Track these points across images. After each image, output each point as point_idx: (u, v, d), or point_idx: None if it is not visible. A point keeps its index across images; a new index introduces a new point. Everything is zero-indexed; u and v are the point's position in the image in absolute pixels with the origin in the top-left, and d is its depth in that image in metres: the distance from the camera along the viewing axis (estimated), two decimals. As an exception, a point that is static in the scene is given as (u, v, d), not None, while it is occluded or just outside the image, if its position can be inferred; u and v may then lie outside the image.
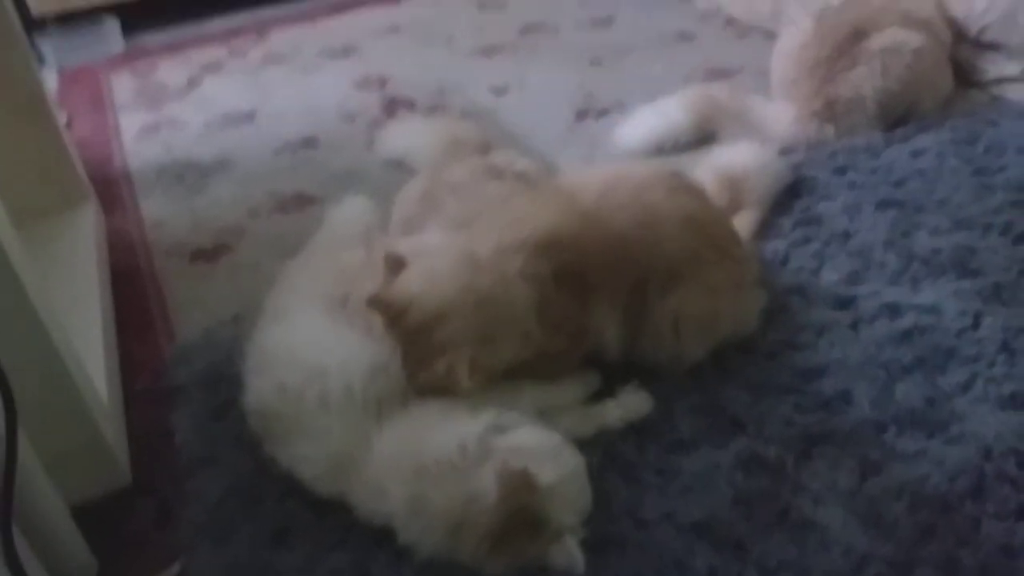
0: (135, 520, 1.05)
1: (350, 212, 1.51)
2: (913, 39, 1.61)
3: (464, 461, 0.92)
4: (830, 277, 1.28)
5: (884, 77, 1.59)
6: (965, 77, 1.82)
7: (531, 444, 0.94)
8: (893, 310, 1.20)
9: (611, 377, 1.12)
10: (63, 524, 0.93)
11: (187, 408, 1.18)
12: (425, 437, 0.96)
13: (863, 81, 1.60)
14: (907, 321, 1.17)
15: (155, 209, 1.73)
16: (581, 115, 1.92)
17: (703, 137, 1.71)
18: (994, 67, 1.79)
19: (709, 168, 1.42)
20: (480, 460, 0.92)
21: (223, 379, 1.18)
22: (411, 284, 0.99)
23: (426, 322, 0.97)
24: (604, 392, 1.11)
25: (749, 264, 1.18)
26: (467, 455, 0.93)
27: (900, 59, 1.59)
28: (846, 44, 1.62)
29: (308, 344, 1.05)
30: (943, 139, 1.57)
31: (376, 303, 0.99)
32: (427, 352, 0.96)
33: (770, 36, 2.01)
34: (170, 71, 2.40)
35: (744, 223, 1.35)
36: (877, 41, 1.61)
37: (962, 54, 1.83)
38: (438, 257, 1.03)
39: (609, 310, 1.05)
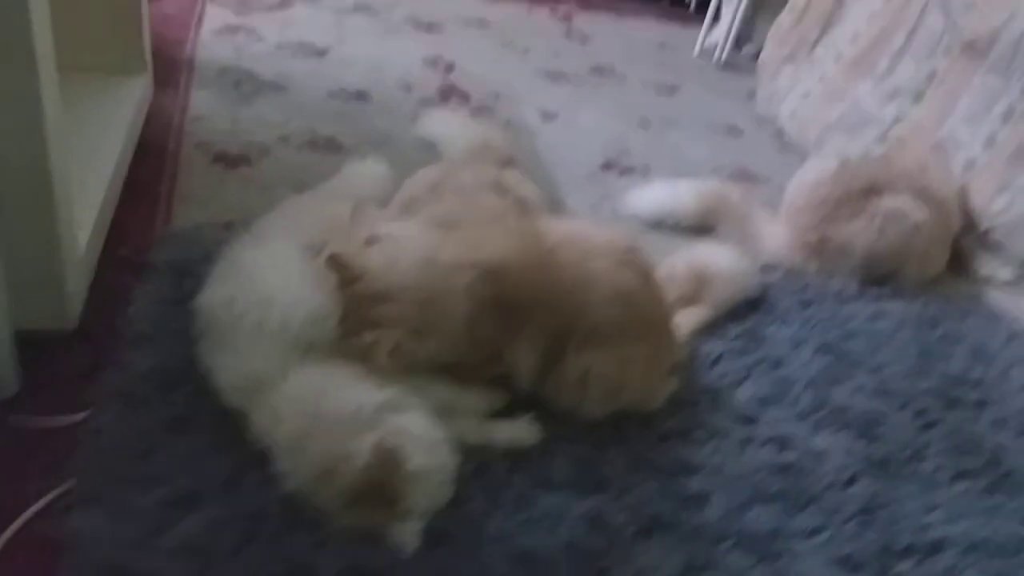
0: (65, 363, 1.17)
1: (366, 172, 1.63)
2: (919, 213, 1.71)
3: (353, 423, 1.03)
4: (746, 393, 1.38)
5: (878, 237, 1.69)
6: (960, 265, 1.91)
7: (415, 430, 1.05)
8: (783, 443, 1.29)
9: (520, 405, 1.23)
10: (1, 338, 1.05)
11: (152, 287, 1.30)
12: (331, 390, 1.07)
13: (858, 233, 1.70)
14: (790, 457, 1.27)
15: (202, 103, 1.86)
16: (608, 165, 2.03)
17: (703, 227, 1.81)
18: (988, 266, 1.88)
19: (685, 257, 1.53)
20: (367, 427, 1.02)
21: (193, 274, 1.28)
22: (372, 259, 1.11)
23: (371, 296, 1.08)
24: (504, 414, 1.21)
25: (669, 351, 1.29)
26: (358, 419, 1.03)
27: (898, 226, 1.69)
28: (857, 194, 1.72)
29: (270, 273, 1.16)
30: (908, 312, 1.66)
31: (334, 263, 1.10)
32: (362, 322, 1.07)
33: (806, 159, 2.11)
34: (270, -16, 2.53)
35: (692, 317, 1.45)
36: (885, 202, 1.70)
37: (966, 243, 1.92)
38: (406, 247, 1.14)
39: (529, 346, 1.16)
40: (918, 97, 2.12)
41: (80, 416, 1.10)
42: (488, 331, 1.12)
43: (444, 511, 1.06)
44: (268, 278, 1.15)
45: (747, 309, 1.57)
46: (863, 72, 2.26)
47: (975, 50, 1.98)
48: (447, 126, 1.88)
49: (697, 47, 2.84)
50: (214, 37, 2.15)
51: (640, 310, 1.20)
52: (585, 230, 1.26)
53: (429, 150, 1.85)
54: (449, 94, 2.17)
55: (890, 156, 1.89)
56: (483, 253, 1.12)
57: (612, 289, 1.17)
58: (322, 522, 1.01)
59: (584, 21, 2.89)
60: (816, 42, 2.44)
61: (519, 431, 1.19)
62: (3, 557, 0.95)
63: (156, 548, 0.95)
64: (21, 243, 1.06)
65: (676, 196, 1.82)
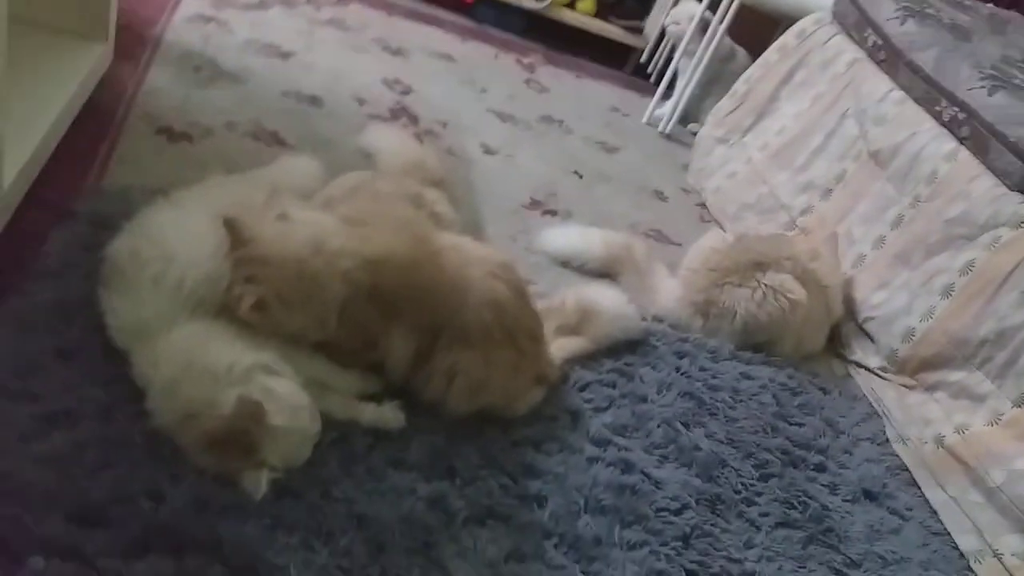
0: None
1: (299, 167, 1.74)
2: (798, 293, 1.86)
3: (225, 376, 1.13)
4: (605, 419, 1.50)
5: (757, 307, 1.84)
6: (838, 348, 2.08)
7: (282, 392, 1.14)
8: (628, 467, 1.41)
9: (390, 394, 1.33)
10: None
11: (69, 232, 1.39)
12: (211, 344, 1.17)
13: (741, 300, 1.85)
14: (631, 480, 1.39)
15: (159, 79, 1.96)
16: (534, 205, 2.17)
17: (605, 273, 1.95)
18: (861, 352, 2.04)
19: (577, 291, 1.66)
20: (237, 382, 1.12)
21: (110, 228, 1.35)
22: (266, 230, 1.21)
23: (253, 258, 1.19)
24: (375, 400, 1.31)
25: (535, 361, 1.40)
26: (230, 374, 1.13)
27: (777, 301, 1.84)
28: (746, 266, 1.87)
29: (176, 233, 1.26)
30: (776, 379, 1.81)
31: (228, 224, 1.20)
32: (239, 278, 1.17)
33: (718, 232, 2.28)
34: (252, -15, 2.66)
35: (571, 345, 1.58)
36: (769, 278, 1.86)
37: (845, 330, 2.09)
38: (302, 228, 1.25)
39: (402, 340, 1.27)
40: (826, 194, 2.31)
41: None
42: (363, 318, 1.23)
43: (298, 470, 1.15)
44: (173, 237, 1.25)
45: (626, 349, 1.70)
46: (783, 163, 2.45)
47: (879, 160, 2.18)
48: (388, 140, 2.01)
49: (646, 115, 3.03)
50: (186, 23, 2.26)
51: (509, 319, 1.32)
52: (468, 243, 1.39)
53: (366, 160, 1.97)
54: (400, 114, 2.30)
55: (785, 239, 2.05)
56: (369, 246, 1.24)
57: (484, 295, 1.29)
58: (180, 459, 1.10)
59: (546, 74, 3.06)
60: (748, 129, 2.64)
61: (384, 414, 1.29)
62: None
63: (23, 454, 1.03)
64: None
65: (586, 240, 1.96)
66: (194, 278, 1.21)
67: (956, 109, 2.01)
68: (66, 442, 1.07)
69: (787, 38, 2.65)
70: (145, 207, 1.35)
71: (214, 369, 1.13)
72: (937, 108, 2.07)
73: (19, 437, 1.05)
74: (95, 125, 1.69)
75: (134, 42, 2.03)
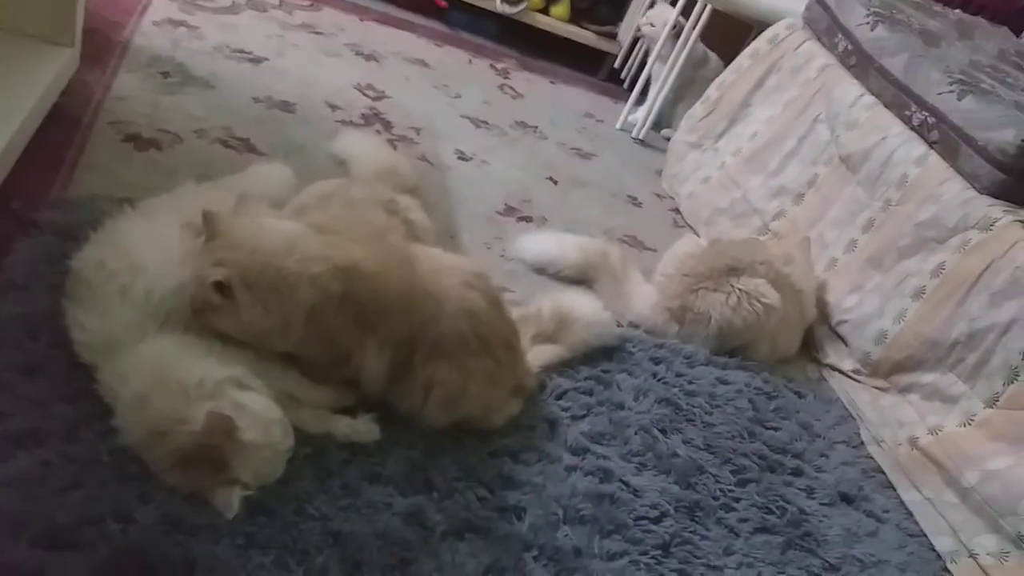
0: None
1: (270, 174, 1.72)
2: (773, 298, 1.87)
3: (195, 391, 1.10)
4: (582, 427, 1.49)
5: (732, 312, 1.84)
6: (811, 351, 2.09)
7: (254, 408, 1.12)
8: (606, 475, 1.41)
9: (365, 407, 1.31)
10: None
11: (34, 242, 1.36)
12: (181, 359, 1.14)
13: (716, 305, 1.85)
14: (609, 488, 1.38)
15: (127, 85, 1.92)
16: (508, 211, 2.16)
17: (581, 279, 1.95)
18: (835, 355, 2.06)
19: (552, 299, 1.65)
20: (207, 397, 1.10)
21: (76, 238, 1.33)
22: (242, 225, 1.20)
23: (224, 245, 1.17)
24: (349, 414, 1.29)
25: (511, 371, 1.39)
26: (200, 389, 1.11)
27: (752, 306, 1.85)
28: (720, 271, 1.88)
29: (143, 243, 1.23)
30: (751, 383, 1.82)
31: (208, 216, 1.18)
32: (207, 263, 1.16)
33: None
34: (222, -11, 2.63)
35: (547, 353, 1.57)
36: (743, 282, 1.87)
37: (818, 333, 2.10)
38: (277, 227, 1.25)
39: (376, 350, 1.25)
40: (798, 198, 2.33)
41: (-65, 348, 1.14)
42: (334, 329, 1.21)
43: (271, 487, 1.13)
44: (141, 248, 1.23)
45: (602, 356, 1.69)
46: (756, 168, 2.47)
47: (850, 164, 2.20)
48: (360, 146, 1.99)
49: (620, 121, 3.04)
50: (154, 27, 2.22)
51: (485, 328, 1.31)
52: (439, 253, 1.38)
53: (339, 166, 1.95)
54: (373, 120, 2.28)
55: (759, 243, 2.06)
56: (340, 253, 1.22)
57: (459, 306, 1.28)
58: (150, 478, 1.07)
59: (520, 79, 3.06)
60: (721, 134, 2.66)
61: (359, 428, 1.27)
62: None
63: (-14, 476, 1.00)
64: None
65: (562, 247, 1.95)
66: (163, 290, 1.19)
67: (926, 114, 2.04)
68: (32, 462, 1.04)
69: (759, 43, 2.67)
70: (112, 216, 1.32)
71: (184, 383, 1.10)
72: (907, 112, 2.10)
73: (-17, 458, 1.02)
74: (61, 132, 1.66)
75: (101, 47, 1.99)
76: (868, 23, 2.32)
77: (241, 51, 2.30)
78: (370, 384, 1.29)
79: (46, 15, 1.65)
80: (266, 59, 2.32)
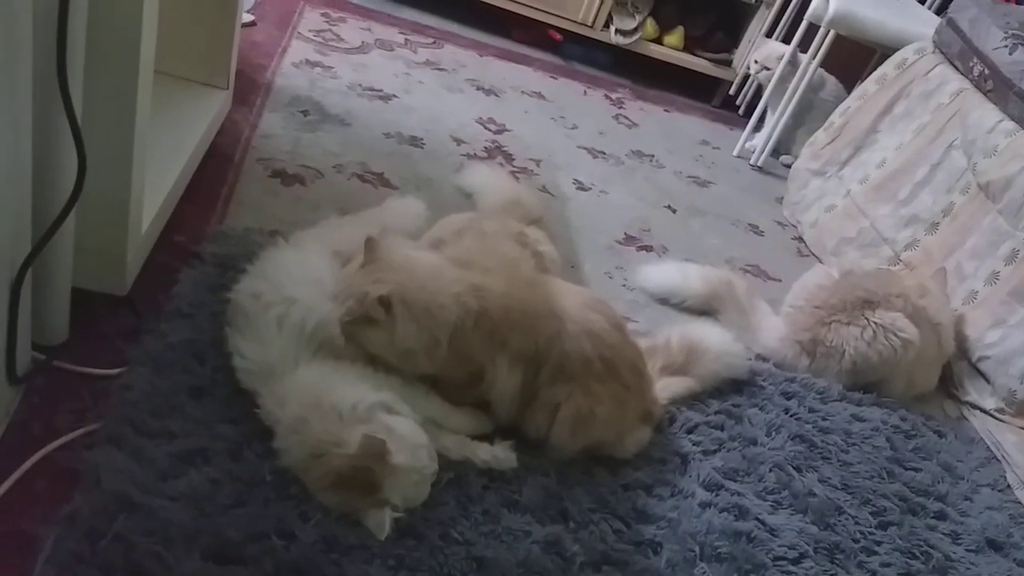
0: (110, 324, 1.32)
1: (405, 208, 1.79)
2: (910, 332, 1.80)
3: (349, 415, 1.16)
4: (715, 463, 1.47)
5: (868, 346, 1.78)
6: (950, 388, 1.99)
7: (402, 431, 1.16)
8: (741, 512, 1.38)
9: (501, 434, 1.34)
10: (62, 289, 1.20)
11: (197, 273, 1.46)
12: (334, 384, 1.20)
13: (850, 339, 1.80)
14: (746, 526, 1.35)
15: (271, 123, 2.05)
16: (628, 240, 2.17)
17: (706, 310, 1.93)
18: (975, 393, 1.96)
19: (681, 329, 1.64)
20: (360, 421, 1.15)
21: (234, 268, 1.43)
22: (396, 252, 1.28)
23: (381, 268, 1.24)
24: (486, 440, 1.32)
25: (639, 397, 1.39)
26: (354, 413, 1.16)
27: (889, 340, 1.78)
28: (854, 304, 1.82)
29: (297, 275, 1.31)
30: (888, 421, 1.75)
31: (368, 243, 1.26)
32: (367, 281, 1.22)
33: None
34: (352, 30, 2.77)
35: (677, 385, 1.56)
36: (880, 316, 1.80)
37: (957, 369, 2.01)
38: (424, 255, 1.34)
39: (507, 369, 1.29)
40: (932, 227, 2.24)
41: (115, 371, 1.24)
42: (470, 345, 1.26)
43: (418, 509, 1.17)
44: (294, 280, 1.30)
45: (732, 390, 1.67)
46: (885, 197, 2.39)
47: (989, 193, 2.11)
48: (486, 179, 2.04)
49: (737, 148, 3.00)
50: (293, 68, 2.36)
51: (608, 350, 1.32)
52: (558, 281, 1.44)
53: (467, 198, 2.01)
54: (495, 153, 2.34)
55: (893, 275, 1.99)
56: (475, 276, 1.29)
57: (581, 324, 1.31)
58: (308, 497, 1.13)
59: (635, 109, 3.07)
60: (846, 162, 2.59)
61: (498, 454, 1.30)
62: (26, 480, 1.07)
63: (161, 492, 1.07)
64: (96, 215, 1.21)
65: (685, 276, 1.94)
66: (315, 320, 1.25)
67: (1075, 140, 1.93)
68: (201, 480, 1.11)
69: (886, 69, 2.59)
70: (266, 249, 1.40)
71: (339, 408, 1.16)
72: (1053, 139, 2.00)
73: (159, 476, 1.09)
74: (216, 169, 1.78)
75: (248, 87, 2.12)
76: (1006, 46, 2.22)
77: (372, 89, 2.41)
78: (501, 404, 1.32)
79: (205, 60, 1.78)
80: (395, 96, 2.42)
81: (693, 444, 1.50)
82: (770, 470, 1.50)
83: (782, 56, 2.90)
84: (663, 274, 1.96)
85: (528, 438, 1.34)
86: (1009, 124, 2.12)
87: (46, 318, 1.21)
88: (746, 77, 3.40)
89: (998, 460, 1.81)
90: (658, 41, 3.36)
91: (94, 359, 1.25)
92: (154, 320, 1.34)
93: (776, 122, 2.90)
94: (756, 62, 3.02)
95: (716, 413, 1.59)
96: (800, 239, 2.52)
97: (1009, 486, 1.75)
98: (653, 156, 2.71)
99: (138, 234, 1.35)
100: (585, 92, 3.05)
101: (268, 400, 1.21)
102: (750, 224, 2.50)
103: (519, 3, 3.15)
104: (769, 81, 2.95)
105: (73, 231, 1.18)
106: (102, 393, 1.21)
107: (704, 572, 1.26)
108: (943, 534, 1.53)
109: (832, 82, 3.01)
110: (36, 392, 1.18)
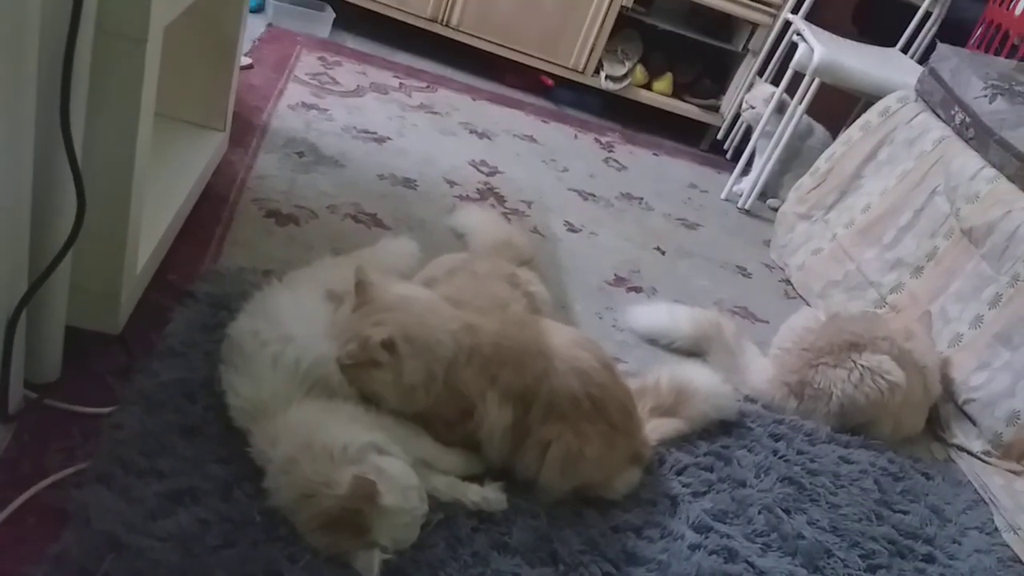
0: (103, 360, 1.32)
1: (398, 248, 1.81)
2: (896, 375, 1.82)
3: (340, 456, 1.16)
4: (704, 504, 1.47)
5: (855, 388, 1.80)
6: (937, 430, 2.01)
7: (393, 472, 1.17)
8: (731, 554, 1.38)
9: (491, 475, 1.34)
10: (56, 328, 1.21)
11: (190, 312, 1.47)
12: (326, 424, 1.20)
13: (837, 381, 1.82)
14: (735, 569, 1.36)
15: (267, 164, 2.07)
16: (618, 281, 2.19)
17: (694, 351, 1.95)
18: (962, 435, 1.97)
19: (670, 370, 1.66)
20: (351, 462, 1.15)
21: (227, 308, 1.44)
22: (389, 291, 1.30)
23: (379, 307, 1.26)
24: (476, 481, 1.33)
25: (629, 437, 1.40)
26: (344, 454, 1.16)
27: (875, 383, 1.80)
28: (841, 346, 1.85)
29: (293, 314, 1.32)
30: (876, 463, 1.76)
31: (361, 282, 1.28)
32: (365, 324, 1.24)
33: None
34: (347, 73, 2.82)
35: (666, 426, 1.57)
36: (866, 358, 1.83)
37: (944, 411, 2.02)
38: (418, 292, 1.37)
39: (497, 405, 1.29)
40: (917, 271, 2.27)
41: (106, 410, 1.24)
42: (463, 379, 1.27)
43: (407, 551, 1.16)
44: (290, 319, 1.31)
45: (721, 431, 1.68)
46: (870, 240, 2.43)
47: (972, 238, 2.15)
48: (478, 220, 2.07)
49: (725, 191, 3.05)
50: (289, 110, 2.40)
51: (597, 389, 1.33)
52: (549, 321, 1.45)
53: (458, 239, 2.03)
54: (487, 194, 2.37)
55: (879, 318, 2.02)
56: (467, 314, 1.32)
57: (569, 363, 1.32)
58: (297, 539, 1.13)
59: (624, 152, 3.12)
60: (832, 206, 2.63)
61: (488, 495, 1.30)
62: (15, 518, 1.07)
63: (150, 532, 1.07)
64: (92, 255, 1.22)
65: (674, 318, 1.96)
66: (310, 359, 1.26)
67: (1054, 188, 1.98)
68: (190, 520, 1.11)
69: (870, 116, 2.65)
70: (261, 288, 1.42)
71: (329, 448, 1.16)
72: (1033, 186, 2.04)
73: (148, 516, 1.09)
74: (211, 209, 1.79)
75: (244, 128, 2.16)
76: (986, 96, 2.28)
77: (366, 131, 2.45)
78: (491, 441, 1.32)
79: (203, 103, 1.81)
80: (389, 138, 2.46)
81: (683, 486, 1.50)
82: (759, 512, 1.50)
83: (770, 96, 2.97)
84: (652, 315, 1.98)
85: (518, 479, 1.35)
86: (990, 171, 2.17)
87: (39, 356, 1.22)
88: (734, 121, 3.46)
89: (985, 503, 1.82)
90: (647, 87, 3.43)
91: (85, 397, 1.26)
92: (146, 359, 1.34)
93: (763, 167, 2.96)
94: (747, 104, 3.09)
95: (705, 455, 1.60)
96: (787, 281, 2.56)
97: (997, 529, 1.75)
98: (642, 199, 2.75)
99: (133, 273, 1.36)
100: (576, 136, 3.10)
101: (260, 439, 1.21)
102: (738, 266, 2.54)
103: (512, 49, 3.22)
104: (756, 121, 3.01)
105: (69, 270, 1.19)
106: (92, 432, 1.21)
107: (693, 615, 1.26)
108: (932, 577, 1.53)
109: (820, 130, 3.07)
110: (26, 430, 1.18)
